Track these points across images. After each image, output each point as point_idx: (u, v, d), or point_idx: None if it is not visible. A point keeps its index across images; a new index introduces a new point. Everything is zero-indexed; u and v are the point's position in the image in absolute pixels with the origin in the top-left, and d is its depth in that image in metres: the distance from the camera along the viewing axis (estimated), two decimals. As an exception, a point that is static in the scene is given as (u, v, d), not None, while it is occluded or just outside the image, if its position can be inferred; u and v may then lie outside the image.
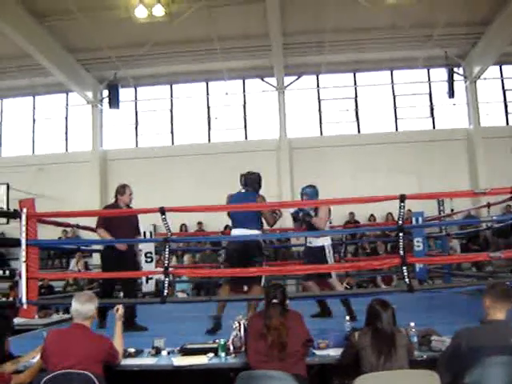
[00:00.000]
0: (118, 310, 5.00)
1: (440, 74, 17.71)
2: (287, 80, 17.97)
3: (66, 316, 8.16)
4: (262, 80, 18.21)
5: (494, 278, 8.50)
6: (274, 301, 4.44)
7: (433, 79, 18.34)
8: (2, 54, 15.69)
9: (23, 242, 6.78)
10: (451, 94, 16.55)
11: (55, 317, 9.12)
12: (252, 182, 7.26)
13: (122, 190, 7.92)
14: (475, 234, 13.89)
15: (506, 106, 17.93)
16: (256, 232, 6.92)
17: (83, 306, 4.31)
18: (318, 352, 4.77)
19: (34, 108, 19.28)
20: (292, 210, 7.77)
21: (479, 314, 4.28)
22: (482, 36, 16.01)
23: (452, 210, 12.22)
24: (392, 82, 18.45)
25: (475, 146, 17.11)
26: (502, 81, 18.06)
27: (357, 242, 15.03)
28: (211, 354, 4.76)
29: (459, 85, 17.30)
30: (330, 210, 7.68)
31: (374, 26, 15.56)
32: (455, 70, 16.97)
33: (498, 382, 3.84)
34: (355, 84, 18.55)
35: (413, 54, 17.04)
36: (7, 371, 4.37)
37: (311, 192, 7.81)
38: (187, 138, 18.60)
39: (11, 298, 7.74)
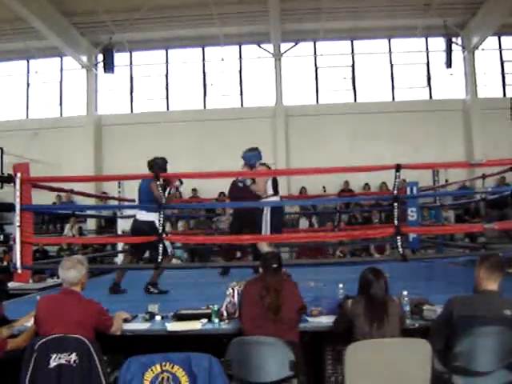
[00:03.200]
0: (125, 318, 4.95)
1: (438, 43, 17.58)
2: (284, 47, 17.80)
3: (60, 280, 8.20)
4: (259, 46, 18.03)
5: (486, 249, 8.53)
6: (274, 265, 4.53)
7: (431, 49, 18.18)
8: (-5, 16, 15.50)
9: (17, 206, 6.76)
10: (449, 64, 16.46)
11: (50, 281, 9.17)
12: (156, 166, 7.36)
13: None
14: (469, 204, 13.94)
15: (503, 78, 17.83)
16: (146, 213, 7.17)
17: (67, 273, 4.29)
18: (310, 319, 4.80)
19: (28, 72, 19.07)
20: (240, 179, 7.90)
21: (472, 284, 4.30)
22: (481, 6, 15.89)
23: (446, 181, 12.22)
24: (390, 50, 18.30)
25: (472, 117, 17.06)
26: (501, 52, 17.91)
27: (351, 211, 15.08)
28: (204, 320, 4.81)
29: (457, 55, 17.18)
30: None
31: (372, -7, 15.43)
32: (453, 39, 16.84)
33: (488, 352, 3.89)
34: (352, 52, 18.39)
35: (411, 22, 16.88)
36: (3, 336, 4.40)
37: (248, 156, 7.91)
38: (182, 104, 18.48)
39: (5, 263, 7.76)
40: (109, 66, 16.92)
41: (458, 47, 17.29)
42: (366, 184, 16.22)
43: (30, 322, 4.52)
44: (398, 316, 4.26)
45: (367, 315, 4.15)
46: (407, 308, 4.71)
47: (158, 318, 4.97)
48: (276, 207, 7.65)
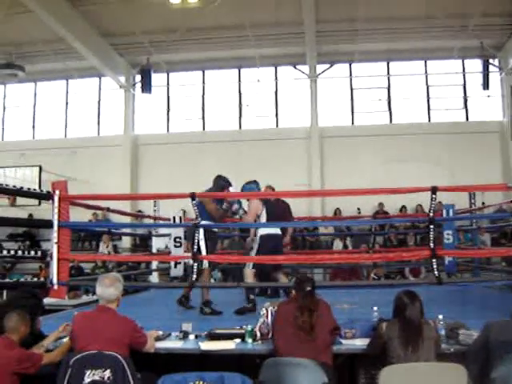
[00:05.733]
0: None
1: (475, 65, 17.45)
2: (320, 68, 17.85)
3: (95, 297, 8.29)
4: (295, 67, 18.13)
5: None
6: (308, 288, 4.54)
7: (467, 70, 18.03)
8: (36, 37, 15.83)
9: (55, 223, 6.87)
10: (486, 85, 16.31)
11: (84, 298, 9.26)
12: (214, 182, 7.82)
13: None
14: (506, 228, 13.72)
15: (541, 99, 17.58)
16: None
17: (105, 290, 4.33)
18: (344, 341, 4.76)
19: (67, 91, 19.45)
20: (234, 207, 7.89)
21: (509, 308, 4.23)
22: (518, 27, 15.75)
23: (483, 204, 12.07)
24: (426, 72, 18.20)
25: (509, 138, 16.81)
26: (538, 73, 17.69)
27: (386, 233, 14.96)
28: (238, 340, 4.80)
29: (494, 76, 17.03)
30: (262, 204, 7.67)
31: (408, 16, 15.36)
32: (490, 61, 16.70)
33: (526, 379, 3.80)
34: (388, 73, 18.34)
35: (447, 44, 16.77)
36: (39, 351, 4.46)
37: (247, 189, 7.86)
38: (218, 124, 18.63)
39: (42, 279, 7.86)
40: (146, 87, 17.18)
41: (494, 69, 17.14)
42: (403, 206, 16.03)
43: (66, 338, 4.57)
44: (434, 340, 4.20)
45: (402, 338, 4.11)
46: (443, 332, 4.65)
47: (191, 336, 4.97)
48: (267, 238, 7.55)
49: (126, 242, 16.78)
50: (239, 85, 18.87)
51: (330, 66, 18.02)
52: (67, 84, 19.40)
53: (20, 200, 14.77)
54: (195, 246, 6.81)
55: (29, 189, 8.05)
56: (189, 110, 19.03)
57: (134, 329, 4.33)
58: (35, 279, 8.45)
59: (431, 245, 6.40)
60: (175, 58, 17.91)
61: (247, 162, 16.99)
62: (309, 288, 4.56)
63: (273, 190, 8.72)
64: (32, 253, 7.89)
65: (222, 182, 7.72)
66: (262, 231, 7.48)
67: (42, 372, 4.19)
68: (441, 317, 4.73)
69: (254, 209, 7.57)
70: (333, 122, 18.07)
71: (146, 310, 7.35)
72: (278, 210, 8.32)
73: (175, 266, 9.90)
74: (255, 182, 7.92)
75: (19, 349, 4.20)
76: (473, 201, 10.65)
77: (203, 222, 7.14)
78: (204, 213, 7.23)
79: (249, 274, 7.35)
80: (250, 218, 7.61)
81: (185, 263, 9.64)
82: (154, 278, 11.68)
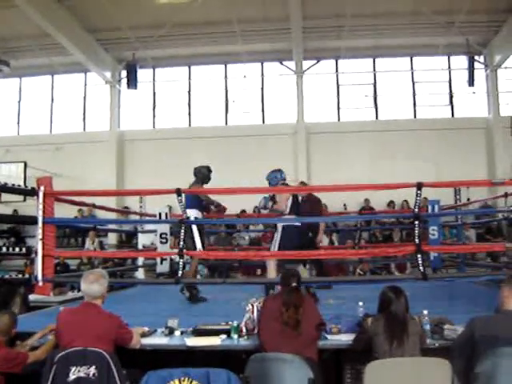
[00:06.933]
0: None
1: (460, 61, 17.50)
2: (306, 64, 17.85)
3: (81, 294, 8.26)
4: (281, 63, 18.12)
5: (508, 268, 8.43)
6: (294, 284, 4.59)
7: (453, 67, 18.12)
8: (21, 32, 15.71)
9: (40, 219, 6.82)
10: (471, 82, 16.36)
11: (70, 294, 9.23)
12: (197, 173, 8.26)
13: None
14: (491, 223, 13.79)
15: (526, 96, 17.70)
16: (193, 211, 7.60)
17: (90, 286, 4.32)
18: (330, 337, 4.78)
19: (52, 87, 19.32)
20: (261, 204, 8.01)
21: (493, 304, 4.26)
22: (504, 24, 15.81)
23: (468, 199, 12.13)
24: (412, 68, 18.28)
25: (494, 135, 16.93)
26: (524, 70, 17.80)
27: (371, 228, 14.99)
28: (224, 336, 4.81)
29: (480, 73, 17.10)
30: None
31: (394, 12, 15.42)
32: (476, 57, 16.77)
33: (510, 374, 3.82)
34: (374, 70, 18.40)
35: (433, 40, 16.86)
36: (24, 350, 4.44)
37: (270, 177, 7.90)
38: (204, 120, 18.60)
39: (26, 275, 7.82)
40: (132, 82, 17.07)
41: (480, 65, 17.23)
42: (392, 201, 16.07)
43: (49, 337, 4.56)
44: (419, 335, 4.22)
45: (387, 333, 4.12)
46: (428, 327, 4.67)
47: (177, 332, 4.97)
48: (289, 228, 7.50)
49: (112, 238, 16.70)
50: (225, 80, 18.84)
51: (317, 62, 18.04)
52: (52, 79, 19.27)
53: (5, 196, 14.66)
54: (181, 243, 6.79)
55: (13, 185, 7.99)
56: (175, 105, 18.99)
57: (120, 325, 4.32)
58: (20, 276, 8.39)
59: (416, 240, 6.42)
60: (161, 53, 17.85)
61: (233, 158, 16.97)
62: (294, 283, 4.59)
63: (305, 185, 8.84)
64: (17, 249, 7.84)
65: (203, 170, 8.34)
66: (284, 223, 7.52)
67: (27, 370, 4.18)
68: (426, 312, 4.75)
69: (285, 197, 7.59)
70: (319, 118, 18.10)
71: (132, 307, 7.32)
72: (304, 204, 8.37)
73: (161, 263, 9.88)
74: (280, 170, 7.92)
75: (5, 348, 4.19)
76: (458, 196, 10.69)
77: (190, 211, 7.34)
78: (194, 201, 7.50)
79: (271, 268, 7.35)
80: (283, 206, 7.59)
81: (171, 259, 9.64)
82: (140, 274, 11.63)
